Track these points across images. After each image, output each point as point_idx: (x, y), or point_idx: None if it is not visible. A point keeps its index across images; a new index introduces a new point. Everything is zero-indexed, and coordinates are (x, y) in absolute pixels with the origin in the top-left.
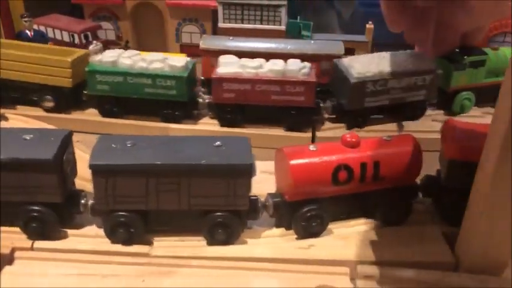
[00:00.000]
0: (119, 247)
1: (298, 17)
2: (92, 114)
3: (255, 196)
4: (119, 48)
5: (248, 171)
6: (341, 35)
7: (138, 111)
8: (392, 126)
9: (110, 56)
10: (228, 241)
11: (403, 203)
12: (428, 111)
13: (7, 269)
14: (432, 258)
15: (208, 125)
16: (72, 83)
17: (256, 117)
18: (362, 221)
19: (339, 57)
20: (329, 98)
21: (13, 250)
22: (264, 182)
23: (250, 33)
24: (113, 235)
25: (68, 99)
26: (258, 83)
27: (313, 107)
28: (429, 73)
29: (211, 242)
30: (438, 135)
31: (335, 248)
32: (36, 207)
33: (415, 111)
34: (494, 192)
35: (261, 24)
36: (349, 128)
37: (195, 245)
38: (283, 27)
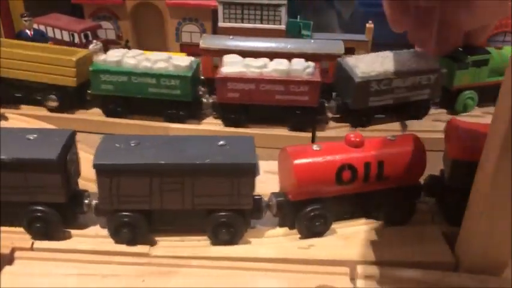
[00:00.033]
0: (119, 247)
1: (298, 16)
2: (94, 114)
3: (259, 195)
4: (120, 48)
5: (252, 170)
6: (341, 34)
7: (142, 111)
8: (395, 126)
9: (114, 55)
10: (232, 241)
11: (407, 203)
12: (431, 111)
13: (7, 269)
14: (432, 258)
15: (212, 125)
16: (77, 82)
17: (260, 117)
18: (362, 221)
19: (339, 56)
20: (330, 97)
21: (13, 250)
22: (266, 182)
23: (250, 32)
24: (117, 235)
25: (72, 98)
26: (262, 82)
27: (317, 107)
28: (434, 72)
29: (215, 241)
30: (441, 135)
31: (335, 248)
32: (40, 207)
33: (419, 111)
34: (494, 192)
35: (261, 23)
36: (353, 127)
37: (195, 245)
38: (283, 27)
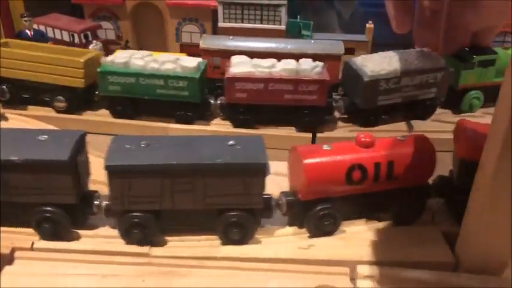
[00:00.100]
0: (119, 247)
1: (298, 16)
2: (102, 115)
3: (268, 194)
4: (120, 48)
5: (263, 169)
6: (341, 34)
7: (149, 112)
8: (402, 126)
9: (121, 57)
10: (242, 240)
11: (415, 203)
12: (437, 111)
13: (7, 269)
14: (432, 258)
15: (220, 126)
16: (85, 83)
17: (268, 117)
18: (362, 221)
19: (339, 56)
20: (331, 97)
21: (13, 250)
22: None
23: (250, 32)
24: (127, 236)
25: (79, 99)
26: (271, 82)
27: (325, 106)
28: (441, 70)
29: (226, 241)
30: (447, 135)
31: (335, 248)
32: (50, 208)
33: (426, 109)
34: (495, 192)
35: (261, 23)
36: (361, 127)
37: (195, 245)
38: (283, 27)
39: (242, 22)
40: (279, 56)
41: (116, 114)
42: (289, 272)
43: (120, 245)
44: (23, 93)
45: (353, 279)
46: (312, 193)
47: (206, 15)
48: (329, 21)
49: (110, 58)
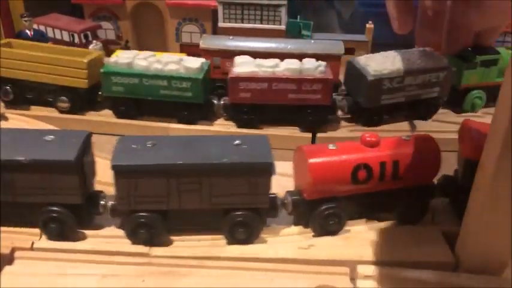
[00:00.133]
0: (119, 247)
1: (298, 16)
2: (105, 116)
3: (274, 194)
4: (120, 48)
5: (269, 169)
6: (341, 34)
7: (153, 112)
8: (405, 126)
9: (125, 57)
10: (248, 240)
11: (420, 203)
12: (439, 110)
13: (7, 269)
14: (432, 258)
15: (223, 126)
16: (88, 84)
17: (272, 117)
18: (362, 220)
19: (339, 56)
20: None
21: (13, 250)
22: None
23: (250, 32)
24: (133, 236)
25: (83, 100)
26: (275, 81)
27: (328, 106)
28: (443, 70)
29: (232, 241)
30: (450, 135)
31: (335, 248)
32: (56, 208)
33: (429, 109)
34: (494, 192)
35: (261, 23)
36: (364, 126)
37: (195, 245)
38: (283, 27)
39: (242, 22)
40: (279, 56)
41: (119, 114)
42: (289, 272)
43: (120, 244)
44: (26, 94)
45: (353, 279)
46: (318, 192)
47: (206, 15)
48: (329, 21)
49: (113, 59)
